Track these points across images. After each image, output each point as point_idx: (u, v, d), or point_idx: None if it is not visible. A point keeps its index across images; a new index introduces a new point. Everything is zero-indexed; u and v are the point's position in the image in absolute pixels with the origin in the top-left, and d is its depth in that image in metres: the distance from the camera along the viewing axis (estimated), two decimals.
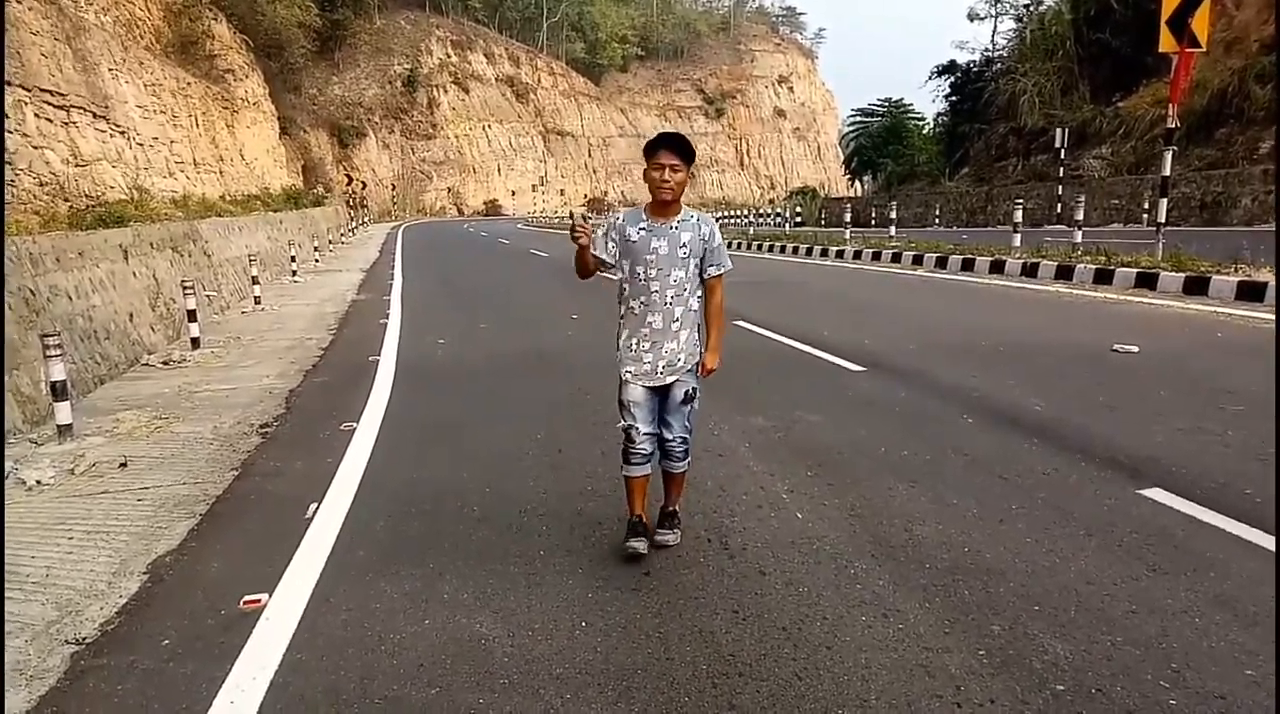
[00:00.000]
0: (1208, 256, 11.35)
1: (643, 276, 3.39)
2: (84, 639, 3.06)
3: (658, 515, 3.67)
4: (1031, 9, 35.57)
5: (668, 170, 3.26)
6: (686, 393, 3.49)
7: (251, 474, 4.97)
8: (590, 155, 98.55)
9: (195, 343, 9.64)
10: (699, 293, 3.48)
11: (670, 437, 3.53)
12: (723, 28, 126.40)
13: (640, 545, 3.49)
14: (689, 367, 3.48)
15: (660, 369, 3.44)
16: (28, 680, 2.80)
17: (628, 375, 3.48)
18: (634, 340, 3.45)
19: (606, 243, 3.45)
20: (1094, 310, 9.92)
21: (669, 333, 3.41)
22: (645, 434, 3.47)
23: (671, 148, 3.27)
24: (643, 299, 3.41)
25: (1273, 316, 8.13)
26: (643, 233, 3.39)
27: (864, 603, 3.05)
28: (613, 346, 3.58)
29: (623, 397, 3.50)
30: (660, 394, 3.50)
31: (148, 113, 19.87)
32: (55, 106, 13.98)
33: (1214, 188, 21.61)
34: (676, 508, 3.70)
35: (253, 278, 14.70)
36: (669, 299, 3.39)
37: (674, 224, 3.38)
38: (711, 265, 3.47)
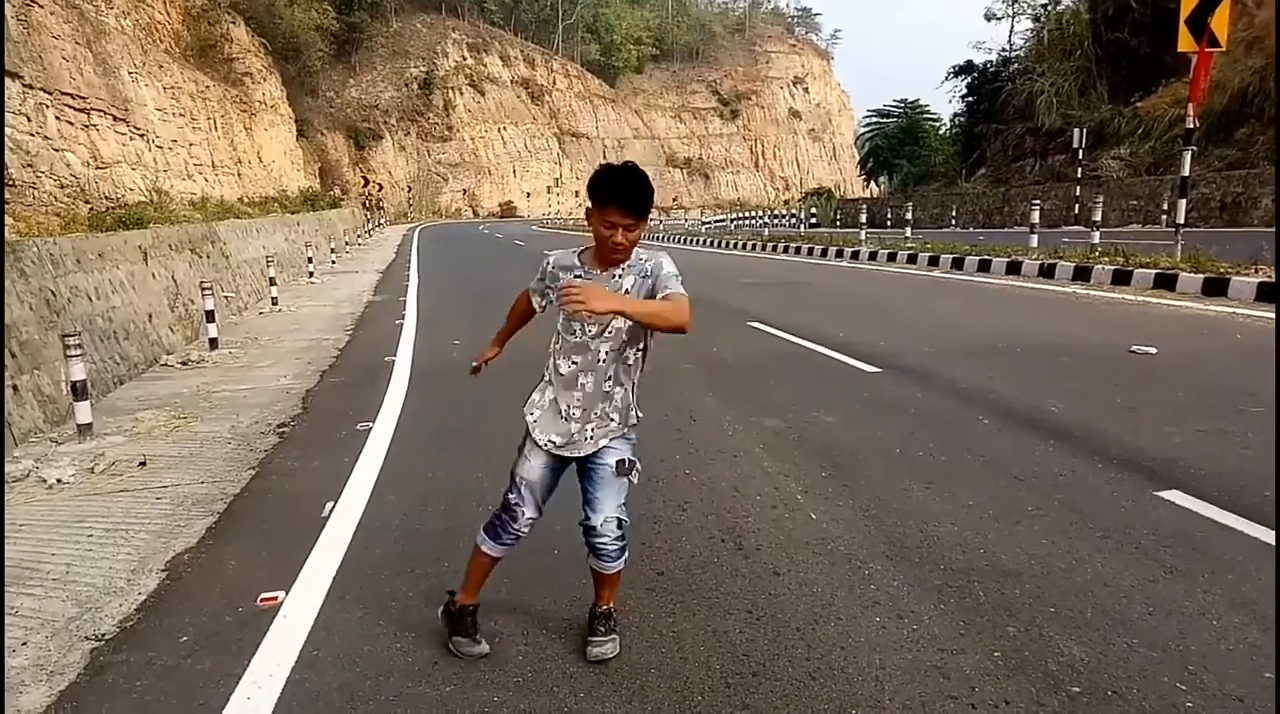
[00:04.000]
0: (1227, 257, 11.25)
1: (579, 333, 2.67)
2: (103, 635, 3.09)
3: (588, 619, 2.90)
4: (1049, 8, 35.41)
5: (621, 232, 2.54)
6: (621, 463, 2.72)
7: (269, 473, 5.01)
8: (605, 157, 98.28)
9: (213, 343, 9.72)
10: (640, 345, 2.73)
11: (597, 523, 2.71)
12: (738, 29, 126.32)
13: (473, 648, 2.80)
14: (622, 430, 2.75)
15: (590, 434, 2.71)
16: (48, 676, 2.83)
17: (541, 440, 2.73)
18: (562, 404, 2.70)
19: (542, 296, 2.83)
20: (1112, 311, 9.84)
21: (600, 394, 2.70)
22: (529, 519, 2.80)
23: (626, 205, 2.52)
24: (575, 359, 2.69)
25: None
26: (578, 281, 2.62)
27: (878, 604, 3.04)
28: None
29: (518, 467, 2.79)
30: (581, 467, 2.78)
31: (167, 115, 20.07)
32: (76, 109, 14.14)
33: (1234, 188, 21.42)
34: (611, 607, 2.90)
35: (270, 279, 14.80)
36: (605, 356, 2.67)
37: (617, 273, 2.64)
38: (659, 291, 2.59)
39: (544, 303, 2.85)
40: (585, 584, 3.25)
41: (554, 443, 2.72)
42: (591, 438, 2.72)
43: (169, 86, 21.03)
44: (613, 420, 2.73)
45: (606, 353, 2.67)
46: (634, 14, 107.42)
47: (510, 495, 2.80)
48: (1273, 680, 2.48)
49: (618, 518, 2.73)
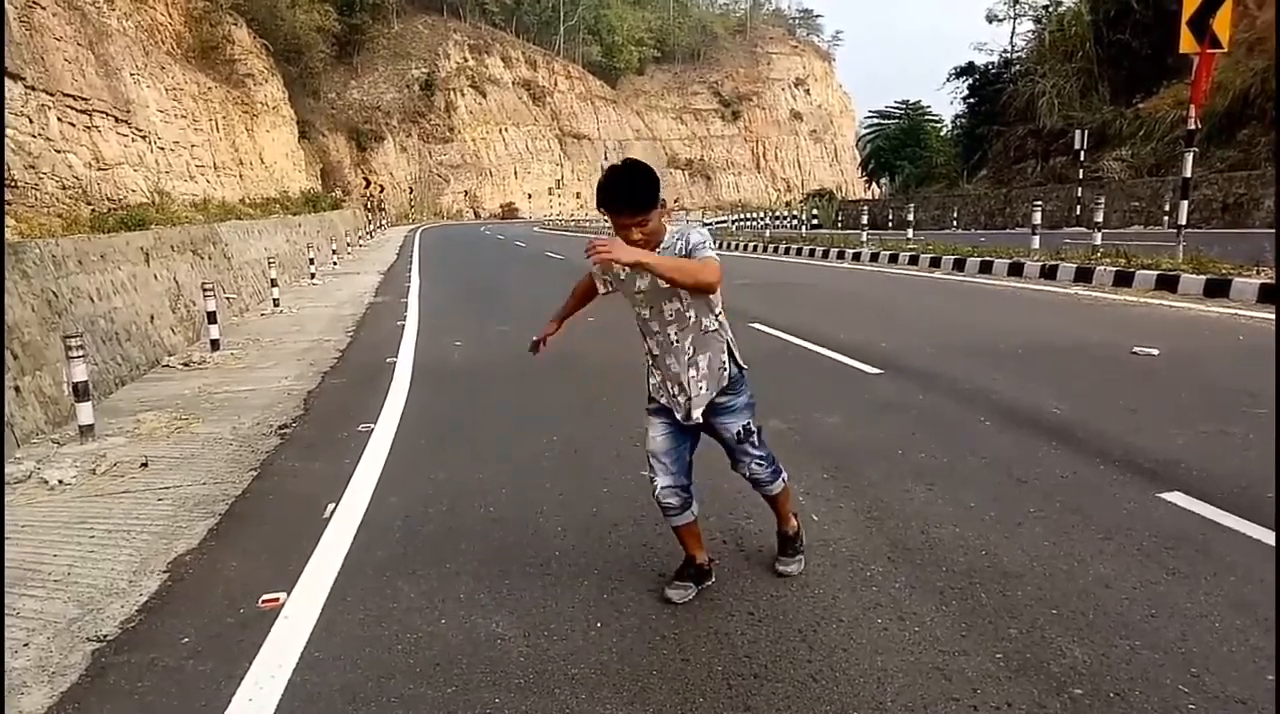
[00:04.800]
0: (1229, 259, 11.24)
1: (639, 317, 3.04)
2: (105, 637, 3.10)
3: (778, 541, 3.39)
4: (1050, 10, 35.40)
5: (635, 230, 2.74)
6: (738, 433, 3.08)
7: (270, 474, 5.01)
8: (606, 158, 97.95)
9: (215, 345, 9.72)
10: (712, 311, 3.00)
11: (741, 473, 3.19)
12: (739, 30, 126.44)
13: (677, 593, 3.12)
14: (716, 389, 3.02)
15: (693, 407, 3.00)
16: (50, 677, 2.83)
17: (660, 410, 3.11)
18: (666, 384, 3.04)
19: (604, 278, 3.13)
20: (1114, 313, 9.83)
21: (685, 367, 2.97)
22: (666, 487, 3.05)
23: (624, 208, 2.72)
24: (649, 343, 3.05)
25: None
26: (624, 269, 2.93)
27: (880, 605, 3.04)
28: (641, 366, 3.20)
29: (646, 445, 3.13)
30: (710, 431, 3.12)
31: (169, 117, 20.09)
32: (78, 111, 14.17)
33: (1236, 189, 21.40)
34: (790, 530, 3.35)
35: (271, 280, 14.80)
36: (674, 336, 2.95)
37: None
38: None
39: (608, 278, 3.09)
40: (586, 584, 3.27)
41: (675, 415, 3.05)
42: (695, 407, 3.01)
43: (171, 88, 21.06)
44: (702, 387, 3.00)
45: (676, 333, 2.95)
46: (635, 15, 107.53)
47: (647, 472, 3.15)
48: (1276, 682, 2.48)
49: (757, 459, 3.13)
